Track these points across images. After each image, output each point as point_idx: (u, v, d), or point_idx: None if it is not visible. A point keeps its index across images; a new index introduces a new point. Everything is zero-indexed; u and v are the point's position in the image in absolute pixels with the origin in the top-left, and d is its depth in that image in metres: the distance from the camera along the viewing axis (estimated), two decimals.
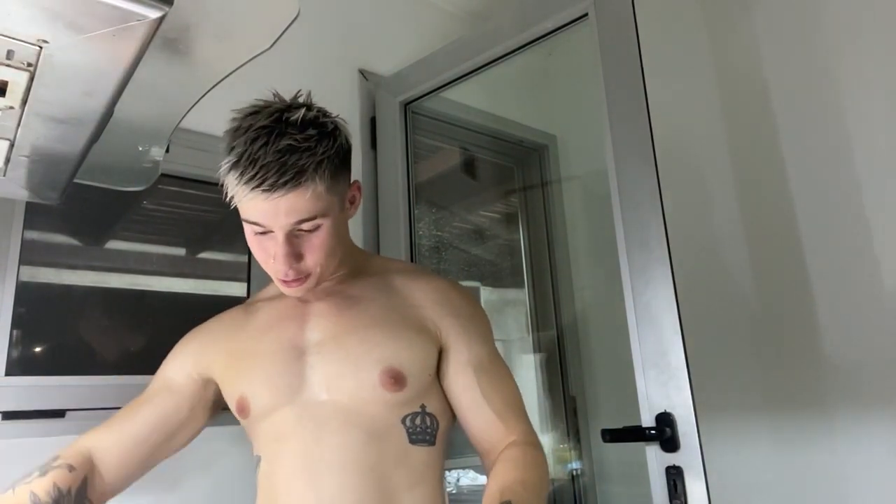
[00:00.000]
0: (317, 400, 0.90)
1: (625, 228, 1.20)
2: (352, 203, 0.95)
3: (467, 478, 1.89)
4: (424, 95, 1.77)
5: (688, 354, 1.08)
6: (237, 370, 0.97)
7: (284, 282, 0.89)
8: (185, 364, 1.03)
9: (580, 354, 2.06)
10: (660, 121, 1.21)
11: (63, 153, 0.86)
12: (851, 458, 1.35)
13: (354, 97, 1.83)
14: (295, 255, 0.85)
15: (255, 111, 0.85)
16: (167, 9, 0.57)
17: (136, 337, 1.42)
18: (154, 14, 0.57)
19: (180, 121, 0.99)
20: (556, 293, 2.11)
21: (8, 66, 0.63)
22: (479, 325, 0.99)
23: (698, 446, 1.05)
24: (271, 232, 0.84)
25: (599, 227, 1.99)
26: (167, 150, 1.06)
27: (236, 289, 1.59)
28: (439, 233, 2.03)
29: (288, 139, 0.81)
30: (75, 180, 0.98)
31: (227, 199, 0.84)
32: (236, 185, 0.81)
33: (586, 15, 1.35)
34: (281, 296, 1.00)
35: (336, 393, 0.89)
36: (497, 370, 0.96)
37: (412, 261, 1.75)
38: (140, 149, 1.03)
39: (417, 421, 0.90)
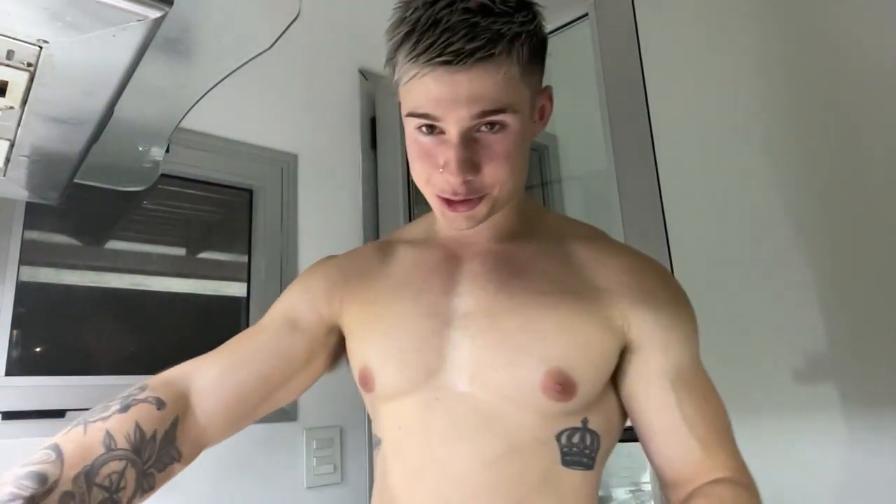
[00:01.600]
0: (455, 390, 0.70)
1: (625, 228, 1.20)
2: (541, 117, 0.74)
3: None
4: None
5: None
6: (366, 331, 0.76)
7: (449, 203, 0.67)
8: (314, 298, 0.80)
9: None
10: (660, 120, 1.21)
11: (63, 153, 0.86)
12: (853, 458, 1.35)
13: (354, 97, 1.83)
14: (472, 163, 0.64)
15: None
16: (167, 9, 0.57)
17: (136, 337, 1.42)
18: (154, 14, 0.57)
19: (180, 121, 1.00)
20: None
21: (8, 66, 0.63)
22: (683, 322, 0.73)
23: None
24: (442, 133, 0.64)
25: (599, 227, 1.99)
26: (167, 150, 1.06)
27: (236, 289, 1.59)
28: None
29: None
30: (75, 180, 0.98)
31: (395, 83, 0.66)
32: (407, 59, 0.62)
33: (586, 15, 1.35)
34: (426, 241, 0.80)
35: (481, 387, 0.69)
36: (701, 384, 0.73)
37: None
38: (140, 149, 1.03)
39: (576, 439, 0.70)
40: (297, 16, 0.84)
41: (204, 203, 1.60)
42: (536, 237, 0.77)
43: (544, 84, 0.73)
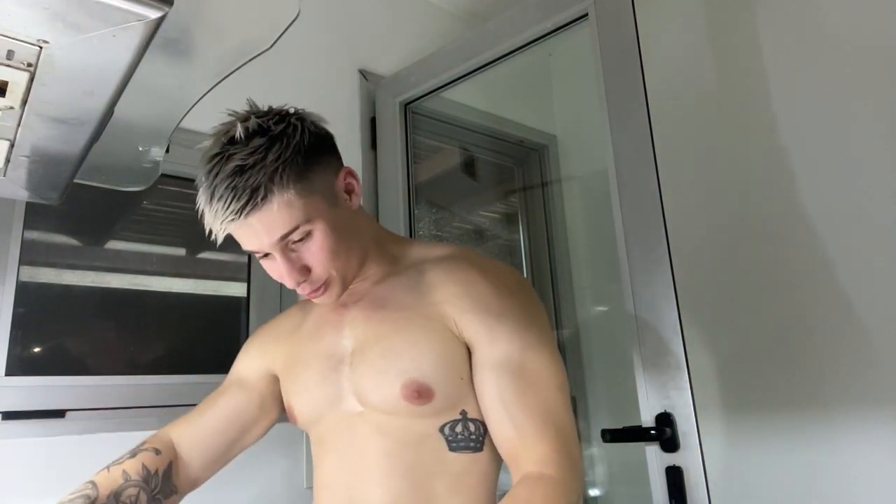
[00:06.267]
0: (353, 411, 0.88)
1: (625, 228, 1.20)
2: (349, 192, 0.88)
3: None
4: (424, 95, 1.77)
5: (688, 354, 1.08)
6: (286, 375, 0.97)
7: (308, 294, 0.86)
8: (252, 361, 1.03)
9: (580, 354, 2.06)
10: (660, 120, 1.21)
11: (63, 153, 0.86)
12: (854, 459, 1.34)
13: (354, 97, 1.83)
14: (299, 269, 0.82)
15: (211, 137, 0.83)
16: (167, 9, 0.57)
17: (136, 337, 1.42)
18: (154, 14, 0.56)
19: (180, 121, 1.00)
20: (556, 293, 2.11)
21: (8, 66, 0.63)
22: (510, 319, 0.84)
23: (698, 446, 1.05)
24: (270, 254, 0.82)
25: (599, 227, 1.99)
26: (167, 150, 1.06)
27: (236, 289, 1.59)
28: (439, 233, 2.03)
29: (235, 160, 0.77)
30: (75, 180, 0.98)
31: (210, 237, 0.82)
32: (212, 223, 0.80)
33: (586, 15, 1.35)
34: None
35: (368, 405, 0.86)
36: (529, 374, 0.81)
37: None
38: (140, 149, 1.03)
39: (458, 428, 0.84)
40: (297, 16, 0.84)
41: None
42: (400, 271, 0.93)
43: (336, 168, 0.87)
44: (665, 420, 1.09)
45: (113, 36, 0.59)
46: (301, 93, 1.73)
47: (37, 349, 1.27)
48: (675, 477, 1.06)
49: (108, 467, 0.90)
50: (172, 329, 1.48)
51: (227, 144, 0.79)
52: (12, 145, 0.82)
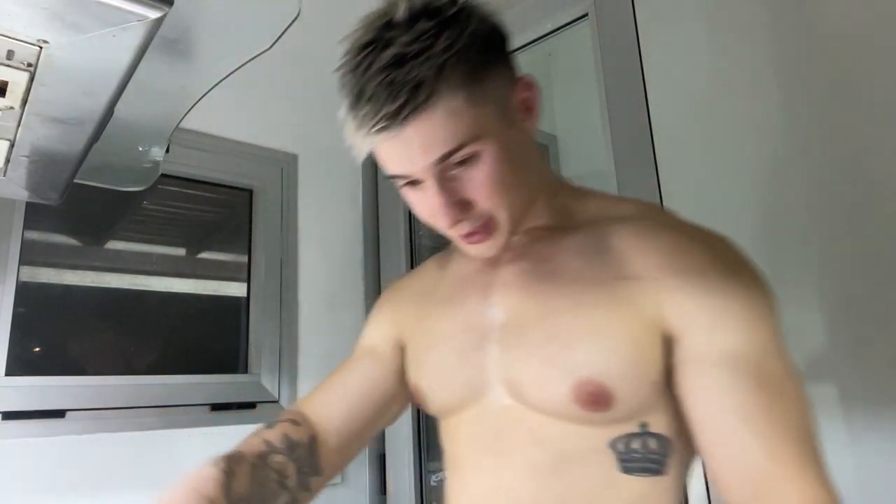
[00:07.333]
0: (499, 403, 0.68)
1: None
2: (527, 110, 0.68)
3: None
4: None
5: None
6: (415, 350, 0.79)
7: (464, 238, 0.68)
8: (382, 328, 0.86)
9: None
10: (660, 120, 1.21)
11: (63, 153, 0.86)
12: (855, 459, 1.34)
13: None
14: (458, 203, 0.64)
15: (360, 27, 0.65)
16: (167, 9, 0.57)
17: (136, 337, 1.42)
18: (154, 14, 0.57)
19: (180, 121, 1.00)
20: None
21: (8, 66, 0.63)
22: (739, 301, 0.61)
23: None
24: (420, 181, 0.64)
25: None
26: (167, 150, 1.06)
27: (236, 289, 1.59)
28: (439, 233, 2.02)
29: (394, 47, 0.59)
30: (75, 180, 0.98)
31: (358, 155, 0.64)
32: (354, 133, 0.63)
33: (586, 15, 1.35)
34: None
35: (521, 401, 0.67)
36: (771, 377, 0.59)
37: (411, 264, 1.75)
38: (140, 149, 1.03)
39: (635, 445, 0.64)
40: (297, 16, 0.84)
41: (204, 203, 1.60)
42: (574, 229, 0.71)
43: (512, 78, 0.67)
44: None
45: (113, 36, 0.59)
46: (301, 93, 1.73)
47: (37, 349, 1.27)
48: None
49: (246, 440, 0.77)
50: (172, 329, 1.48)
51: (382, 29, 0.62)
52: (12, 145, 0.82)
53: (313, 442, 0.78)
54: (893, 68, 1.35)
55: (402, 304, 0.85)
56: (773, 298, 0.64)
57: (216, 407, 1.40)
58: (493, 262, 0.74)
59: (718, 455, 0.59)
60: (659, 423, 0.64)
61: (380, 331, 0.86)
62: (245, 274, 1.59)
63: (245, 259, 1.59)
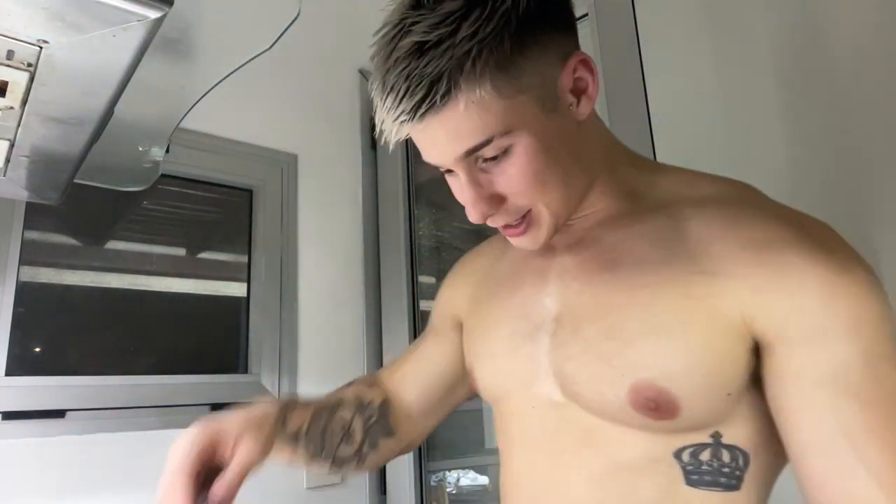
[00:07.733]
0: (550, 399, 0.63)
1: None
2: (580, 92, 0.60)
3: (467, 478, 1.89)
4: None
5: None
6: (470, 332, 0.76)
7: (503, 230, 0.63)
8: (443, 307, 0.84)
9: None
10: (660, 120, 1.21)
11: (63, 153, 0.86)
12: None
13: (354, 97, 1.83)
14: (489, 197, 0.59)
15: (393, 1, 0.60)
16: (167, 9, 0.57)
17: (136, 337, 1.42)
18: (154, 14, 0.57)
19: (180, 121, 1.00)
20: None
21: (8, 66, 0.63)
22: (844, 306, 0.51)
23: None
24: (452, 171, 0.60)
25: None
26: (167, 150, 1.06)
27: (236, 289, 1.59)
28: (439, 233, 2.03)
29: (414, 35, 0.54)
30: (75, 180, 0.98)
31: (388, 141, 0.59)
32: (382, 119, 0.58)
33: (586, 15, 1.35)
34: None
35: (575, 399, 0.61)
36: (880, 391, 0.51)
37: (411, 263, 1.74)
38: (140, 149, 1.03)
39: (705, 457, 0.57)
40: (297, 16, 0.84)
41: (204, 203, 1.60)
42: (641, 213, 0.64)
43: (563, 54, 0.59)
44: None
45: (113, 36, 0.59)
46: (301, 93, 1.73)
47: (37, 349, 1.28)
48: None
49: (318, 397, 0.80)
50: (172, 329, 1.49)
51: (409, 10, 0.57)
52: (12, 145, 0.82)
53: (385, 404, 0.80)
54: (894, 73, 1.35)
55: (459, 283, 0.82)
56: (884, 298, 0.54)
57: (216, 407, 1.39)
58: (550, 248, 0.68)
59: (817, 481, 0.52)
60: (736, 434, 0.57)
61: (440, 309, 0.85)
62: (245, 274, 1.59)
63: (245, 259, 1.59)
